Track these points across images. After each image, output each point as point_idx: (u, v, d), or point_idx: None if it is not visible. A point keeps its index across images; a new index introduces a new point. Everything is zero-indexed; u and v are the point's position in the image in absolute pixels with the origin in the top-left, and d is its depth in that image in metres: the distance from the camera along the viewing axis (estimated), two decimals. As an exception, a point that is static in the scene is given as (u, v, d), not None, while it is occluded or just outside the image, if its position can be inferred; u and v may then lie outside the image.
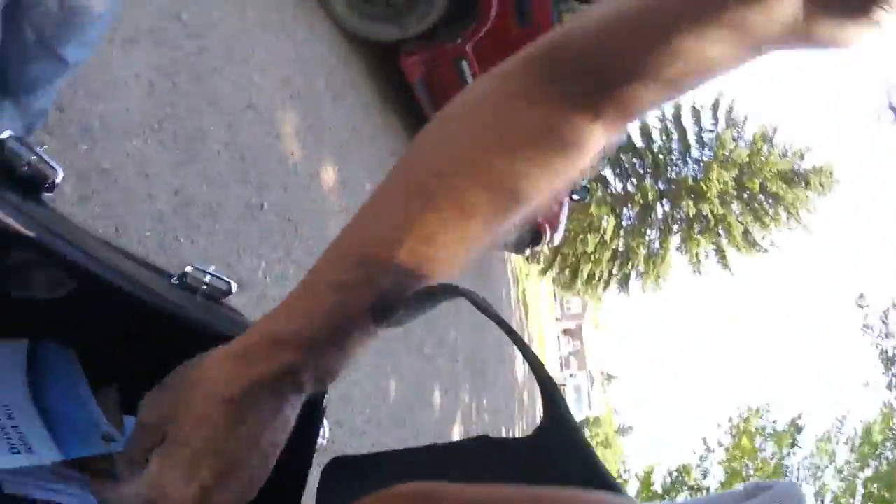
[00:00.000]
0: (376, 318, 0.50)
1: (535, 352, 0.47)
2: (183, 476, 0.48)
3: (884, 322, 16.68)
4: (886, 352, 16.50)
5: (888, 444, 17.85)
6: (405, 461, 0.55)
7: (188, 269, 0.63)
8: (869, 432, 18.46)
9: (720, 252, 20.70)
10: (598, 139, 0.52)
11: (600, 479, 0.40)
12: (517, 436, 0.50)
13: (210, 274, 0.64)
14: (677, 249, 20.90)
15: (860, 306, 17.42)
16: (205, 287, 0.63)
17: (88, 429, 0.55)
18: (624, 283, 21.64)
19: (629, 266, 21.03)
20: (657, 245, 20.92)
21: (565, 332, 38.00)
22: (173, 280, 0.63)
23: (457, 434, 5.95)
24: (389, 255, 0.50)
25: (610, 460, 30.11)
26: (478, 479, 0.38)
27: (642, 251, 20.71)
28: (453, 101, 0.55)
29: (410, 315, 0.52)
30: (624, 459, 33.61)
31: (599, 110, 0.50)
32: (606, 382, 41.97)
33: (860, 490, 18.11)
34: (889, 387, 16.62)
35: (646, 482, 24.45)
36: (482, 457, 0.51)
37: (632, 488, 24.28)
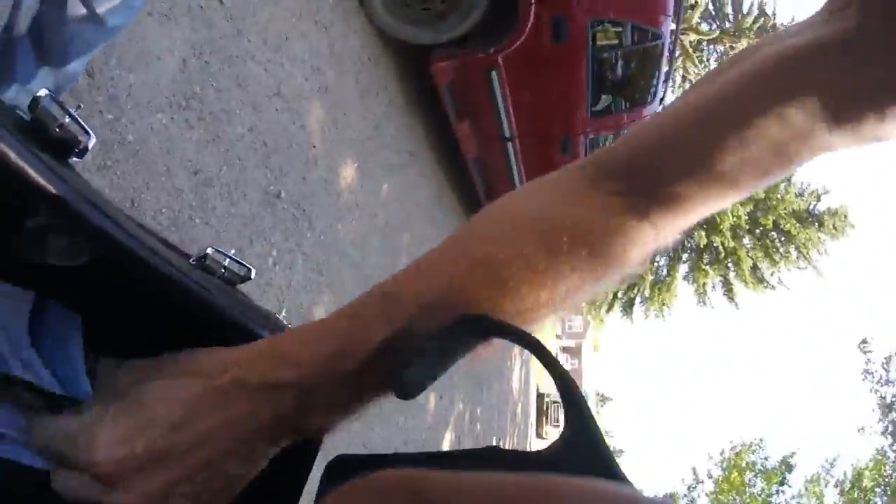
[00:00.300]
0: (387, 365, 0.47)
1: (536, 370, 0.44)
2: (120, 435, 0.44)
3: (885, 369, 16.55)
4: (885, 398, 16.37)
5: (878, 490, 17.66)
6: (411, 465, 0.53)
7: (209, 250, 0.61)
8: (859, 477, 18.30)
9: (727, 285, 20.61)
10: (645, 238, 0.52)
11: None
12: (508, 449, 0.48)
13: (230, 258, 0.62)
14: (684, 278, 20.82)
15: (863, 351, 17.30)
16: (223, 271, 0.61)
17: (74, 393, 0.54)
18: (628, 307, 21.57)
19: (634, 290, 20.97)
20: (665, 272, 20.86)
21: (564, 349, 37.88)
22: (192, 261, 0.61)
23: (447, 440, 5.92)
24: (410, 295, 0.48)
25: (596, 483, 30.04)
26: None
27: (649, 277, 20.65)
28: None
29: (428, 367, 0.48)
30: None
31: (647, 209, 0.51)
32: (601, 404, 41.79)
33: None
34: (884, 433, 16.48)
35: (630, 508, 24.30)
36: (494, 467, 0.49)
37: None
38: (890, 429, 16.49)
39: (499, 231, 0.51)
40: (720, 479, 22.12)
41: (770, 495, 20.80)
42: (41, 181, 0.43)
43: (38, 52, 1.14)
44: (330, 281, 3.48)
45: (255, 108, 2.84)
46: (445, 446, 5.83)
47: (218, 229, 2.51)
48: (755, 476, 21.56)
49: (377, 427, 4.03)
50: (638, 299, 21.21)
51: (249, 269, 0.64)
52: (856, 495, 18.04)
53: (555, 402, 21.72)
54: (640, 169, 0.51)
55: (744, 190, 0.51)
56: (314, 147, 3.42)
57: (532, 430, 18.88)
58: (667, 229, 0.53)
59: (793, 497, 20.72)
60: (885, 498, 17.21)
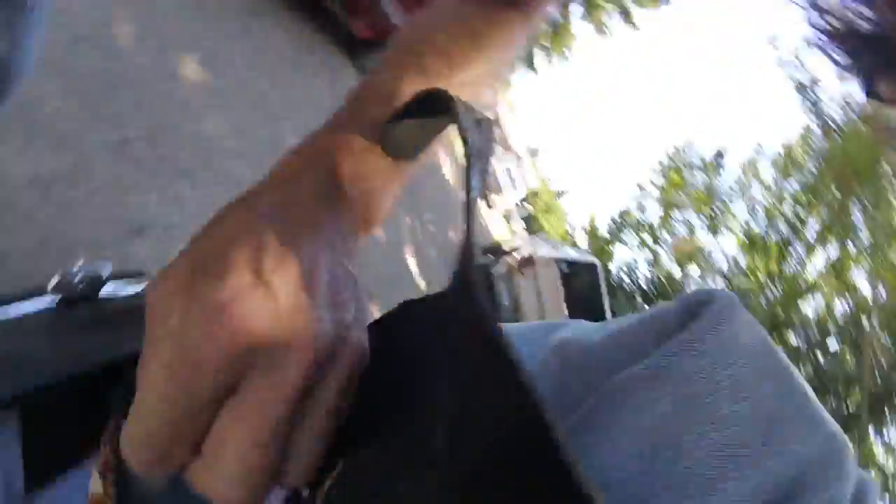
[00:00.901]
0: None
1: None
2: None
3: (797, 58, 17.09)
4: (801, 82, 17.07)
5: (808, 158, 19.08)
6: None
7: (54, 279, 0.57)
8: (790, 153, 19.64)
9: (624, 11, 20.33)
10: (518, 25, 0.58)
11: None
12: None
13: (79, 271, 0.59)
14: (582, 19, 20.45)
15: (774, 47, 17.68)
16: (81, 286, 0.58)
17: None
18: (528, 59, 21.29)
19: (532, 45, 20.60)
20: (559, 19, 20.39)
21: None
22: (50, 291, 0.57)
23: (410, 253, 6.06)
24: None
25: (555, 224, 31.65)
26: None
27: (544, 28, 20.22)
28: None
29: (413, 126, 0.47)
30: (568, 220, 35.47)
31: None
32: (533, 157, 42.78)
33: (788, 201, 19.53)
34: (806, 112, 17.44)
35: (592, 232, 25.76)
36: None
37: (581, 241, 25.75)
38: (810, 107, 17.36)
39: (419, 33, 0.57)
40: (663, 184, 23.42)
41: (711, 183, 22.22)
42: None
43: None
44: (220, 178, 3.25)
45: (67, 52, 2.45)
46: (410, 260, 6.00)
47: (88, 210, 2.27)
48: (693, 173, 22.87)
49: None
50: (537, 50, 20.91)
51: (103, 266, 0.61)
52: (789, 167, 19.44)
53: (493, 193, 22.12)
54: None
55: None
56: (138, 61, 3.03)
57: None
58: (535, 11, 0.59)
59: (734, 181, 22.21)
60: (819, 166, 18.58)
